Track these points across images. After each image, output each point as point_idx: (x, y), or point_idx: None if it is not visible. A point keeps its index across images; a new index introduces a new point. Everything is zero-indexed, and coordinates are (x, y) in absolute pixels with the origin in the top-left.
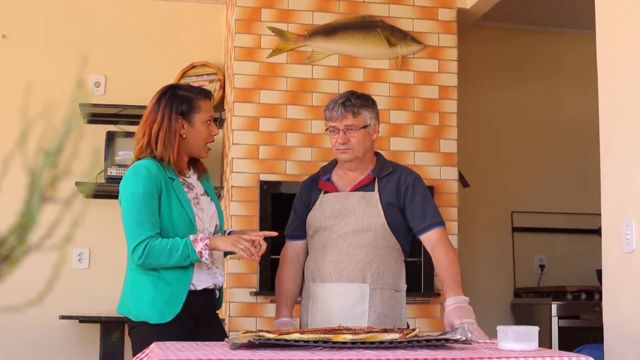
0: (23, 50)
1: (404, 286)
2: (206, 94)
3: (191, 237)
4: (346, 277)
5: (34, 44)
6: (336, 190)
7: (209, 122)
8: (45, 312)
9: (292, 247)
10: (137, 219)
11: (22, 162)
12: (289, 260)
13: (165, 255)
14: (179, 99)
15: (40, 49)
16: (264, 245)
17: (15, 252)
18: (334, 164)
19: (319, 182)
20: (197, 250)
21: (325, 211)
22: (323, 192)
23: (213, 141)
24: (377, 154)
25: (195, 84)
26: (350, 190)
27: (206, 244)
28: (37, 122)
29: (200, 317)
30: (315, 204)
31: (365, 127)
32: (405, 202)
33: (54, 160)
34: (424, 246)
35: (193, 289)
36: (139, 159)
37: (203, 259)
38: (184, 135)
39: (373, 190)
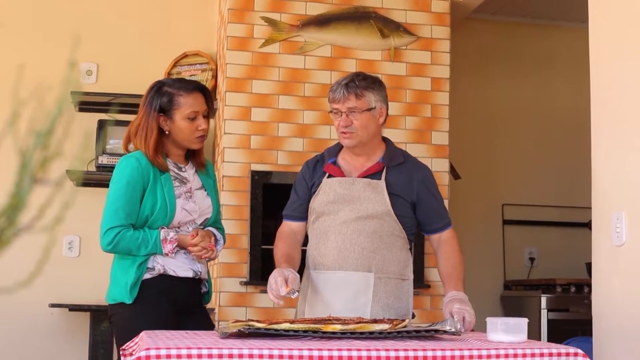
0: (14, 35)
1: (411, 275)
2: (192, 88)
3: (162, 234)
4: (350, 265)
5: (25, 30)
6: (342, 174)
7: (192, 118)
8: (35, 300)
9: (289, 226)
10: (114, 206)
11: (13, 143)
12: (285, 235)
13: (134, 247)
14: (160, 96)
15: (32, 34)
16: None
17: (5, 233)
18: (340, 146)
19: (324, 165)
20: (164, 252)
21: (328, 196)
22: (327, 175)
23: (203, 135)
24: (385, 140)
25: (188, 73)
26: (357, 177)
27: (175, 247)
28: (28, 103)
29: (183, 308)
30: (318, 189)
31: (369, 109)
32: (418, 199)
33: (45, 141)
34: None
35: (173, 274)
36: (128, 151)
37: (169, 255)
38: (167, 132)
39: (380, 178)
